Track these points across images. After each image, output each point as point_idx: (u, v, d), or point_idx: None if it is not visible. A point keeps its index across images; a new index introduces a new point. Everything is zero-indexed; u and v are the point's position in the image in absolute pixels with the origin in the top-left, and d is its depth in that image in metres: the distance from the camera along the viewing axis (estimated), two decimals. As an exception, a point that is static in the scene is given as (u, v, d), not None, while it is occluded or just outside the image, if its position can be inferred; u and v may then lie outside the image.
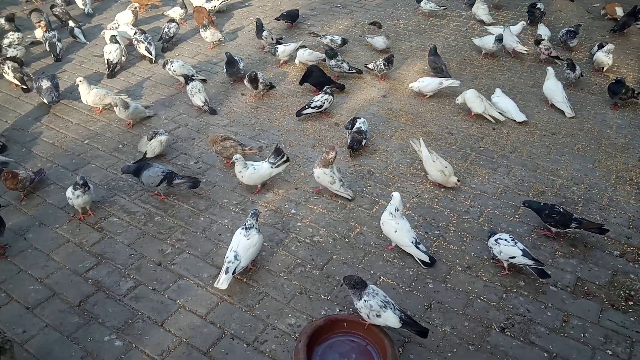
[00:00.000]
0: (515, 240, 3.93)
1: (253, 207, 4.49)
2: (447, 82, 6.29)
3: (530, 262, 3.82)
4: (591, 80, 6.75)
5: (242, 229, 3.91)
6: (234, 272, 3.77)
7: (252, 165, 4.73)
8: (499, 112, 5.91)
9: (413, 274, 4.02)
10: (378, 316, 3.27)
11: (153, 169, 4.62)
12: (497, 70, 7.06)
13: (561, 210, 4.23)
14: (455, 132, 5.77)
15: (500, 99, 6.10)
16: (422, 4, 8.62)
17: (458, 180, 4.81)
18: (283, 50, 7.03)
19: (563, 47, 7.44)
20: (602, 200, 4.76)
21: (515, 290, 3.88)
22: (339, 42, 7.35)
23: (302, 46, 7.16)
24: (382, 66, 6.62)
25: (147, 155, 5.19)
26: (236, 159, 4.66)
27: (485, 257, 4.15)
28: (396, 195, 4.08)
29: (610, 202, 4.73)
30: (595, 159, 5.31)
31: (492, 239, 4.00)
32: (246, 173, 4.70)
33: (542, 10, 8.25)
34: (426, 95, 6.36)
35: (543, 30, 7.53)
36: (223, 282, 3.74)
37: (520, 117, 5.88)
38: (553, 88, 6.12)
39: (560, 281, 3.93)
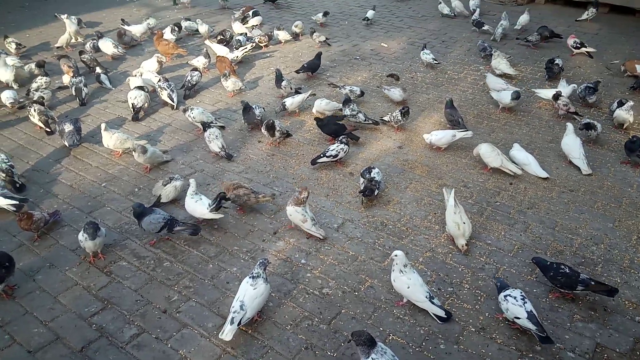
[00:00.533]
0: (525, 300, 3.79)
1: (263, 257, 4.43)
2: (460, 134, 6.28)
3: (533, 328, 3.67)
4: (611, 137, 6.67)
5: (250, 278, 3.86)
6: (239, 323, 3.69)
7: (200, 197, 4.93)
8: (517, 167, 5.84)
9: (424, 332, 3.88)
10: None
11: (154, 215, 4.64)
12: (514, 124, 7.04)
13: (567, 271, 4.06)
14: (471, 185, 5.70)
15: (520, 152, 6.04)
16: (421, 54, 8.85)
17: (466, 245, 4.67)
18: (291, 102, 7.13)
19: (582, 103, 7.41)
20: (623, 262, 4.58)
21: (531, 355, 3.70)
22: (358, 92, 7.45)
23: (312, 94, 7.29)
24: (399, 117, 6.65)
25: (162, 200, 5.22)
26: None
27: (501, 319, 3.98)
28: (399, 254, 3.98)
29: (631, 264, 4.55)
30: (615, 218, 5.17)
31: (502, 295, 3.89)
32: (189, 201, 4.94)
33: (560, 66, 8.29)
34: (441, 148, 6.34)
35: (564, 87, 7.52)
36: (228, 333, 3.66)
37: (542, 173, 5.80)
38: (571, 144, 6.05)
39: (579, 347, 3.74)
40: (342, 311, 4.06)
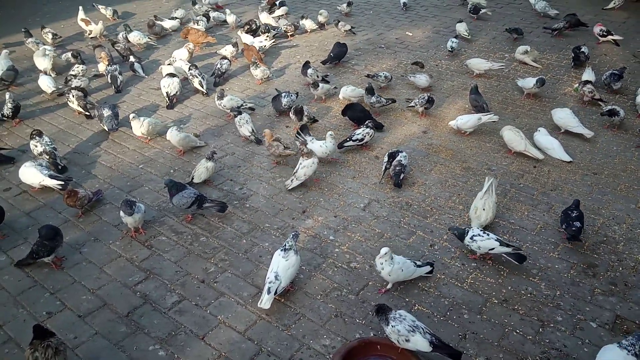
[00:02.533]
0: (488, 233, 4.30)
1: (293, 231, 4.66)
2: (485, 117, 6.40)
3: (509, 250, 4.19)
4: (635, 122, 6.71)
5: (281, 250, 4.08)
6: (275, 292, 3.92)
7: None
8: (539, 150, 5.95)
9: (448, 303, 4.06)
10: (407, 341, 3.34)
11: (186, 191, 4.90)
12: (539, 110, 7.12)
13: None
14: (495, 168, 5.83)
15: (544, 137, 6.14)
16: (448, 44, 8.92)
17: (482, 227, 4.71)
18: (322, 87, 7.36)
19: (607, 90, 7.44)
20: (645, 241, 4.69)
21: (552, 325, 3.85)
22: (390, 78, 7.64)
23: (334, 87, 7.60)
24: (425, 102, 6.78)
25: (194, 181, 5.47)
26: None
27: (523, 292, 4.14)
28: (386, 250, 3.98)
29: (653, 243, 4.66)
30: (638, 199, 5.25)
31: (467, 239, 4.31)
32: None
33: (586, 54, 8.30)
34: (466, 132, 6.47)
35: (590, 75, 7.56)
36: (266, 302, 3.89)
37: (566, 157, 5.90)
38: (564, 116, 6.37)
39: (599, 318, 3.88)
40: (370, 283, 4.27)
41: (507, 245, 4.20)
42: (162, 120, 6.73)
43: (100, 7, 10.84)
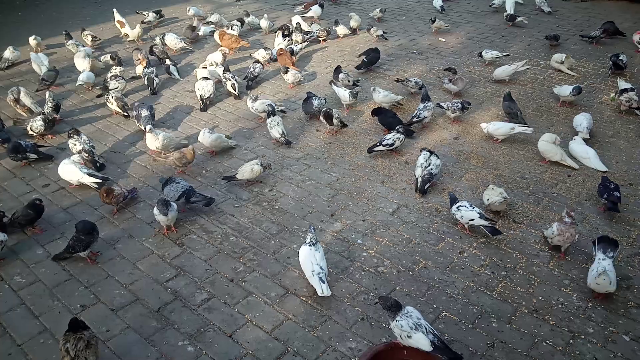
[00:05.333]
0: (473, 206, 4.74)
1: (311, 225, 4.69)
2: (519, 128, 6.31)
3: (485, 222, 4.62)
4: (676, 133, 6.52)
5: (310, 245, 4.19)
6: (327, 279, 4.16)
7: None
8: (574, 160, 5.84)
9: (477, 311, 4.02)
10: (409, 337, 3.34)
11: (175, 184, 5.15)
12: (573, 118, 6.97)
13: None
14: (528, 176, 5.74)
15: (579, 146, 6.02)
16: (483, 53, 8.76)
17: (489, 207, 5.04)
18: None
19: (646, 99, 7.24)
20: (684, 255, 4.55)
21: (583, 337, 3.77)
22: (422, 84, 7.62)
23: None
24: (458, 107, 6.72)
25: (237, 176, 5.55)
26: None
27: (554, 302, 4.07)
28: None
29: (693, 257, 4.51)
30: (677, 212, 5.10)
31: (454, 207, 4.80)
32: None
33: (624, 62, 8.10)
34: (498, 139, 6.40)
35: (622, 85, 7.39)
36: (325, 290, 4.08)
37: (601, 166, 5.77)
38: (580, 117, 6.51)
39: (632, 332, 3.78)
40: (397, 288, 4.26)
41: (487, 219, 4.65)
42: (197, 122, 6.85)
43: (144, 12, 11.26)
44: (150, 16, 11.11)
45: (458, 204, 4.81)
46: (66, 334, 3.49)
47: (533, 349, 3.69)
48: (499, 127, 6.29)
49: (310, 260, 4.15)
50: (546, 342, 3.74)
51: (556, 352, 3.66)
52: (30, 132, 6.61)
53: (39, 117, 6.61)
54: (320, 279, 4.09)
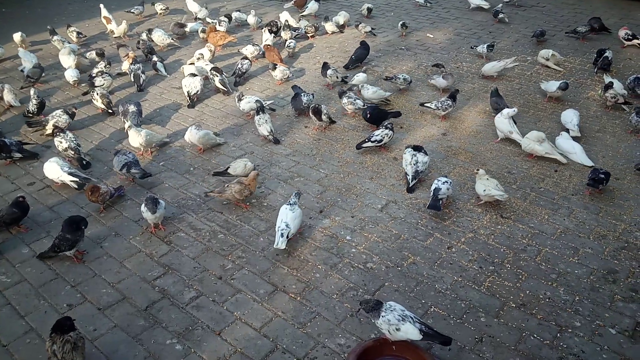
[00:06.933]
0: (448, 182, 5.06)
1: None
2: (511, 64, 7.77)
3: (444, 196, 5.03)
4: (661, 127, 6.58)
5: (288, 204, 4.66)
6: (287, 236, 4.46)
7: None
8: (561, 154, 5.88)
9: (465, 306, 4.04)
10: (398, 330, 3.34)
11: (121, 156, 5.56)
12: (561, 113, 7.01)
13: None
14: (515, 172, 5.77)
15: (566, 141, 6.06)
16: (478, 48, 8.82)
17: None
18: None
19: (631, 94, 7.31)
20: (669, 248, 4.60)
21: (570, 330, 3.80)
22: (410, 80, 7.62)
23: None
24: (449, 102, 6.76)
25: (229, 172, 5.53)
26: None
27: (541, 297, 4.10)
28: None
29: (677, 250, 4.57)
30: (662, 206, 5.16)
31: (435, 180, 5.13)
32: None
33: (609, 58, 8.15)
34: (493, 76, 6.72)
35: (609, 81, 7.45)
36: (281, 243, 4.42)
37: (587, 161, 5.82)
38: (569, 114, 6.56)
39: (619, 325, 3.82)
40: (386, 284, 4.26)
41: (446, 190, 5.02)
42: (184, 119, 6.80)
43: (135, 10, 11.26)
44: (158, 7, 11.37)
45: (443, 180, 5.12)
46: (52, 336, 3.44)
47: (521, 343, 3.72)
48: (492, 66, 7.54)
49: (281, 217, 4.58)
50: (534, 336, 3.76)
51: (543, 345, 3.69)
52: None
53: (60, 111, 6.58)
54: (282, 234, 4.44)
